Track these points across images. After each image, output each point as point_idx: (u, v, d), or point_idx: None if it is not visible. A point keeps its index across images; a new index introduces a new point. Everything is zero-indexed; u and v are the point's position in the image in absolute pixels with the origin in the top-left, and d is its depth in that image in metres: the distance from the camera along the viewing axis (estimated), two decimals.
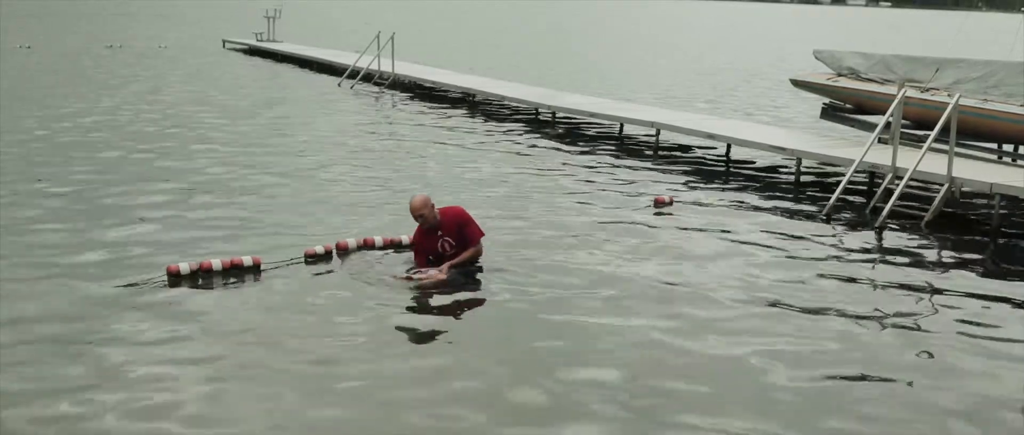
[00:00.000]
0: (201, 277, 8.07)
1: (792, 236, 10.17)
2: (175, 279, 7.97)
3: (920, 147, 11.47)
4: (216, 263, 8.20)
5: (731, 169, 14.16)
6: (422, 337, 7.02)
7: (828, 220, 10.94)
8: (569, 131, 17.28)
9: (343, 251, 8.84)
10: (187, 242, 9.13)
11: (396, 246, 9.07)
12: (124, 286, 7.80)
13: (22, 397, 5.82)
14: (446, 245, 8.27)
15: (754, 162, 14.53)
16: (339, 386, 6.10)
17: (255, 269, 8.27)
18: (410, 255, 8.69)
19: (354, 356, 6.57)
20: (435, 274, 8.00)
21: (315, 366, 6.39)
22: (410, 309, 7.54)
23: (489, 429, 5.62)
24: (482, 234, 8.44)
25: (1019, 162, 13.68)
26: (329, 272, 8.41)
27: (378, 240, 9.09)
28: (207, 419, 5.64)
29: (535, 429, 5.63)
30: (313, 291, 7.88)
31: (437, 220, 8.25)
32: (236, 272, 8.20)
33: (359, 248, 8.95)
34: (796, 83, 16.90)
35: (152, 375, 6.14)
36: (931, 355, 6.94)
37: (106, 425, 5.52)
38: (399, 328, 7.16)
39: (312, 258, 8.65)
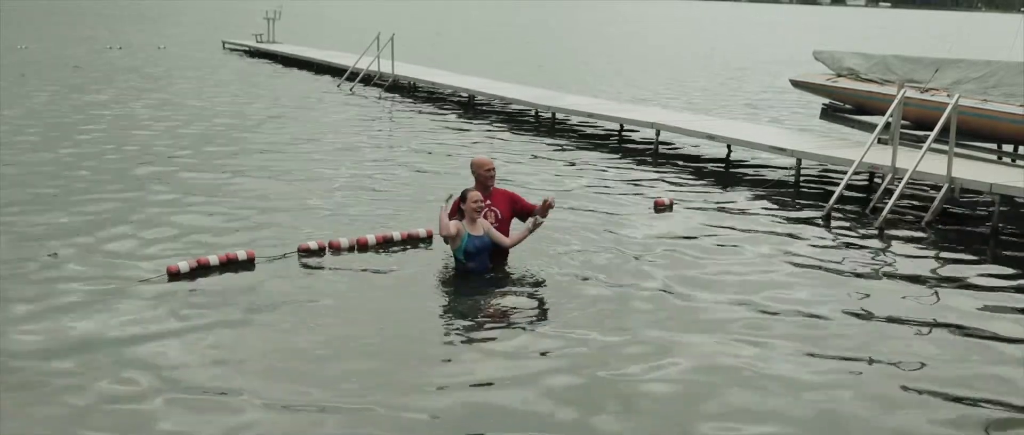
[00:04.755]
0: (199, 274, 8.14)
1: (792, 236, 10.18)
2: (175, 278, 8.03)
3: (920, 147, 11.47)
4: (213, 259, 8.33)
5: (731, 170, 14.16)
6: (414, 329, 7.01)
7: (828, 220, 10.94)
8: (569, 132, 17.29)
9: (336, 250, 8.91)
10: (185, 241, 9.15)
11: (389, 243, 9.17)
12: (125, 284, 7.84)
13: (26, 394, 5.84)
14: (492, 215, 8.46)
15: (754, 162, 14.53)
16: (331, 378, 6.11)
17: (249, 264, 8.41)
18: (405, 252, 8.76)
19: (348, 348, 6.59)
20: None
21: (311, 358, 6.41)
22: (404, 302, 7.57)
23: (483, 425, 5.64)
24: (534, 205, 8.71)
25: (1018, 162, 13.68)
26: (322, 267, 8.48)
27: (371, 239, 9.16)
28: (208, 411, 5.67)
29: (529, 430, 5.64)
30: (308, 285, 7.95)
31: (491, 189, 8.53)
32: (232, 267, 8.32)
33: (352, 248, 9.01)
34: (796, 84, 16.90)
35: (154, 372, 6.15)
36: (931, 355, 6.93)
37: (107, 421, 5.54)
38: (392, 321, 7.16)
39: (305, 253, 8.75)
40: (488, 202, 8.46)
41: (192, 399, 5.84)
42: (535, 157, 14.57)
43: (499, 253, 8.41)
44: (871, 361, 6.76)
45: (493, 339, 7.00)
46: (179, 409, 5.71)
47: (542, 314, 7.48)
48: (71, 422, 5.55)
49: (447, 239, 8.16)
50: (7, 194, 11.06)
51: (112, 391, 5.93)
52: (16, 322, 7.04)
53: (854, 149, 12.77)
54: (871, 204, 11.44)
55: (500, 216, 8.52)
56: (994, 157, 13.60)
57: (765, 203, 11.79)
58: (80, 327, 6.96)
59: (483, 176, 8.51)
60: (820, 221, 10.90)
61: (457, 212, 8.27)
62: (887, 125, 12.26)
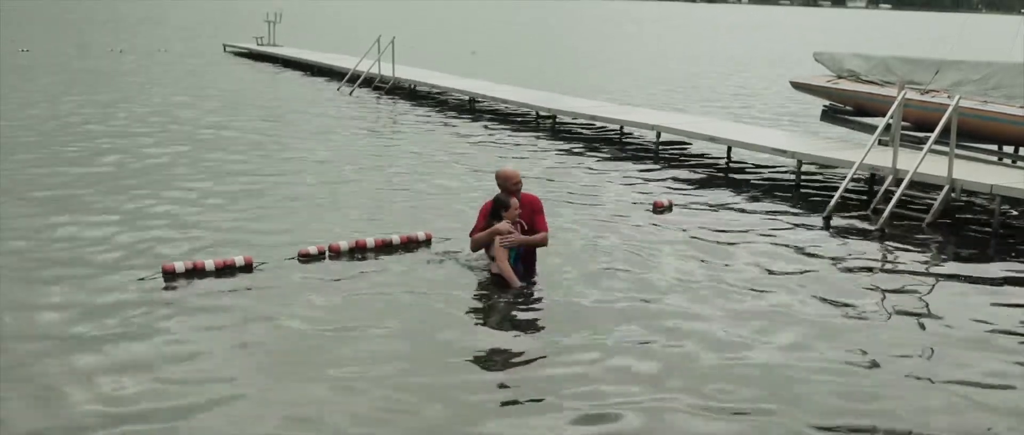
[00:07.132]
0: (196, 276, 8.15)
1: (792, 239, 10.16)
2: (170, 277, 8.06)
3: (920, 149, 11.47)
4: (209, 263, 8.32)
5: (731, 171, 14.16)
6: (414, 332, 7.01)
7: (828, 222, 10.93)
8: (569, 134, 17.29)
9: (336, 253, 8.91)
10: (183, 244, 9.14)
11: (388, 247, 9.18)
12: (121, 285, 7.86)
13: (23, 392, 5.87)
14: (519, 226, 8.43)
15: (755, 164, 14.53)
16: (330, 382, 6.12)
17: (248, 268, 8.41)
18: (404, 256, 8.78)
19: (343, 347, 6.61)
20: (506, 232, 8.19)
21: (308, 358, 6.42)
22: (403, 305, 7.57)
23: (482, 424, 5.63)
24: (547, 229, 8.59)
25: (1019, 163, 13.67)
26: (322, 272, 8.47)
27: (370, 242, 9.16)
28: (201, 410, 5.69)
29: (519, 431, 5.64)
30: (305, 288, 7.95)
31: (519, 197, 8.46)
32: (230, 271, 8.32)
33: (352, 250, 9.02)
34: (796, 85, 16.88)
35: (152, 372, 6.15)
36: (931, 356, 6.92)
37: (105, 419, 5.54)
38: (392, 325, 7.16)
39: (305, 258, 8.75)
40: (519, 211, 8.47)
41: (185, 401, 5.84)
42: (535, 159, 14.56)
43: (529, 257, 8.44)
44: (873, 363, 6.75)
45: (492, 342, 7.00)
46: (173, 410, 5.71)
47: (541, 317, 7.48)
48: (60, 419, 5.57)
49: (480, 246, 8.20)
50: (5, 195, 11.06)
51: (102, 389, 5.94)
52: (11, 320, 7.05)
53: (855, 151, 12.76)
54: (872, 206, 11.43)
55: (524, 226, 8.48)
56: (995, 158, 13.58)
57: (765, 205, 11.78)
58: (74, 325, 6.97)
59: (511, 189, 8.42)
60: (821, 223, 10.89)
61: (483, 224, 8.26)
62: (888, 127, 12.25)
